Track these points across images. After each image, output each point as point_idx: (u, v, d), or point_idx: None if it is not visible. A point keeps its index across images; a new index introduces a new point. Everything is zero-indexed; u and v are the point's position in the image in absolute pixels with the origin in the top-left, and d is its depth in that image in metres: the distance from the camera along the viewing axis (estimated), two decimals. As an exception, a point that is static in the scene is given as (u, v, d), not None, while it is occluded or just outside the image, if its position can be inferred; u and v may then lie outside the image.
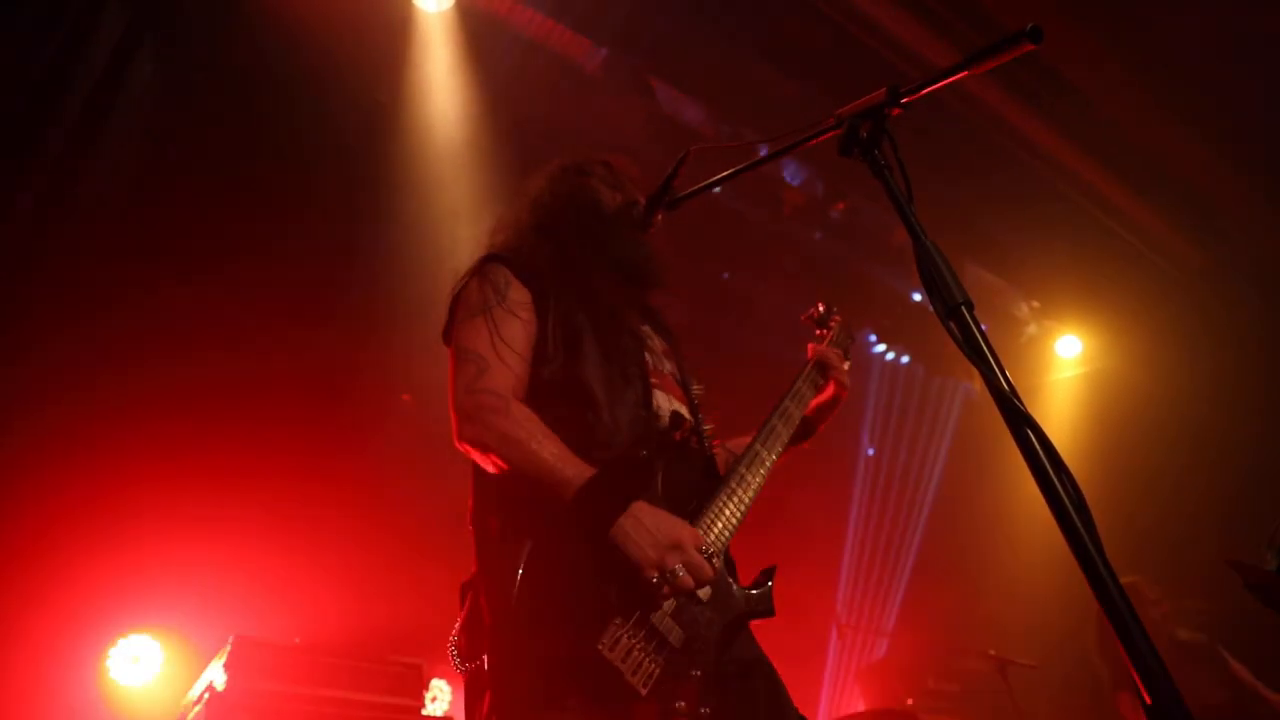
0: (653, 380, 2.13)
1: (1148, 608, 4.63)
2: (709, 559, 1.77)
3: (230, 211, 4.82)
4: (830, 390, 2.46)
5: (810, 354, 2.50)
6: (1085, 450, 6.63)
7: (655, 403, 2.08)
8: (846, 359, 2.68)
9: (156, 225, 4.65)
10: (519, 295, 2.08)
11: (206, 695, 3.42)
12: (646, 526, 1.72)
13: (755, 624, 1.99)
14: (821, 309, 2.80)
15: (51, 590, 4.04)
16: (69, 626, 4.13)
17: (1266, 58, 5.34)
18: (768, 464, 2.12)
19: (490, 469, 1.91)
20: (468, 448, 1.93)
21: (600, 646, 1.62)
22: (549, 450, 1.82)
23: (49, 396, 4.14)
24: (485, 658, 1.72)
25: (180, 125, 4.75)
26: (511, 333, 2.01)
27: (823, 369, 2.47)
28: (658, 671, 1.66)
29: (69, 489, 4.09)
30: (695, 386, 2.30)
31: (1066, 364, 7.97)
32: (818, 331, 2.76)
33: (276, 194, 4.89)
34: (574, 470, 1.79)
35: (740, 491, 2.01)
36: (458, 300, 2.15)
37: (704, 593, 1.81)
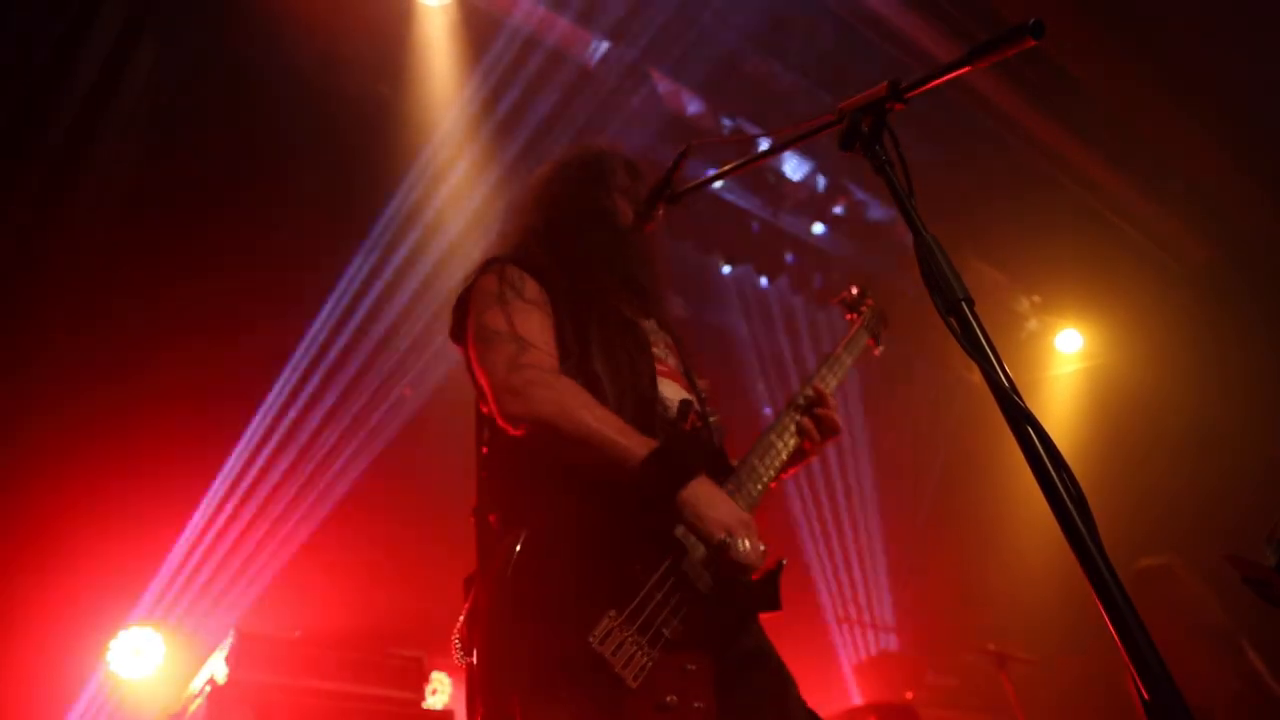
0: (660, 369, 2.13)
1: (1179, 589, 4.60)
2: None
3: (230, 205, 4.82)
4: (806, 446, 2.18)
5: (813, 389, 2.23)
6: (1086, 446, 6.61)
7: (663, 394, 2.08)
8: (879, 346, 2.64)
9: (156, 219, 4.65)
10: (534, 292, 2.08)
11: (208, 688, 3.43)
12: (716, 496, 1.80)
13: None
14: (855, 291, 2.68)
15: (53, 583, 4.04)
16: (71, 619, 4.14)
17: (1272, 51, 5.32)
18: (783, 454, 2.11)
19: (536, 441, 1.88)
20: (519, 425, 1.88)
21: (591, 639, 1.61)
22: (609, 422, 1.84)
23: (51, 391, 4.14)
24: (477, 649, 1.73)
25: (180, 119, 4.74)
26: (536, 322, 2.02)
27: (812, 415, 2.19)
28: (650, 665, 1.65)
29: (71, 483, 4.10)
30: (700, 381, 2.30)
31: (1067, 359, 7.92)
32: (848, 316, 2.65)
33: (277, 187, 4.89)
34: (638, 441, 1.81)
35: (750, 484, 2.00)
36: (470, 295, 2.13)
37: (704, 585, 1.81)
